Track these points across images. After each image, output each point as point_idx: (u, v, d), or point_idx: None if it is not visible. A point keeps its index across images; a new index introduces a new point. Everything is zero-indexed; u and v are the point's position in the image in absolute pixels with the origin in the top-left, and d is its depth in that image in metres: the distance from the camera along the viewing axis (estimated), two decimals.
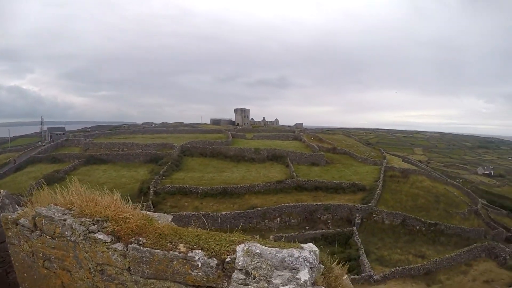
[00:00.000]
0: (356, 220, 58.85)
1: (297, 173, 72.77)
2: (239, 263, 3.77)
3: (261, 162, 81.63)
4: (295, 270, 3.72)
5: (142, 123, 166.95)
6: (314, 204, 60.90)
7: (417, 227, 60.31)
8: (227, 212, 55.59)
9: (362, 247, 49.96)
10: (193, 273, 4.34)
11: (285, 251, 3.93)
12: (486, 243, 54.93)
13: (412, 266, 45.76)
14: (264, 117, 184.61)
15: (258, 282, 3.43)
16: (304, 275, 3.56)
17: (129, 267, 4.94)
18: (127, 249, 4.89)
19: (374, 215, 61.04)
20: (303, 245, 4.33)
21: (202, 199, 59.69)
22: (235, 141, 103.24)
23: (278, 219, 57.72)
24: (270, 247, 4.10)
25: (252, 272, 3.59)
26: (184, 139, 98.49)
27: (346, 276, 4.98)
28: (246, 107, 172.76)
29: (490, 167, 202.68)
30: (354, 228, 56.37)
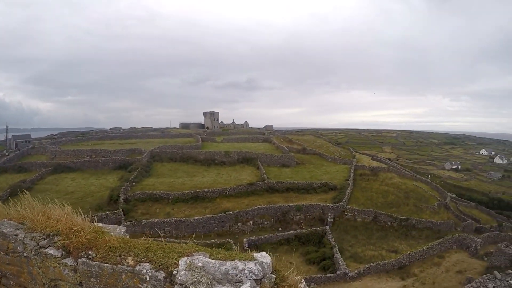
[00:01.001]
0: (328, 219, 59.29)
1: (268, 175, 72.99)
2: (179, 278, 3.67)
3: (232, 165, 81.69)
4: (239, 283, 3.62)
5: (110, 129, 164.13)
6: (286, 205, 60.94)
7: (389, 223, 61.27)
8: (199, 217, 54.93)
9: (336, 245, 50.22)
10: (142, 287, 4.21)
11: (228, 263, 3.83)
12: (456, 235, 56.03)
13: (386, 261, 46.18)
14: (233, 120, 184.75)
15: None
16: None
17: (80, 282, 4.79)
18: (77, 264, 4.74)
19: (346, 213, 61.66)
20: (255, 254, 4.24)
21: (174, 205, 58.98)
22: (205, 144, 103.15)
23: (251, 222, 57.56)
24: (219, 258, 4.00)
25: (190, 287, 3.48)
26: (154, 144, 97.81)
27: (303, 283, 4.88)
28: (216, 110, 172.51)
29: (457, 162, 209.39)
30: (327, 227, 56.73)
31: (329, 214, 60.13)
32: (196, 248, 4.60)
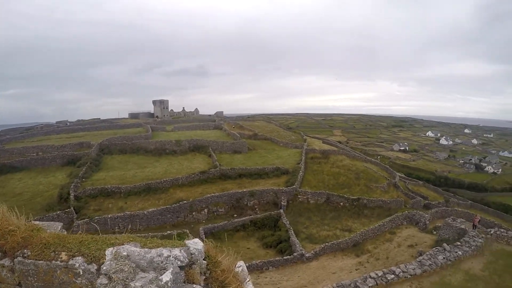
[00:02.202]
0: (282, 202, 60.12)
1: (220, 162, 72.97)
2: (104, 268, 3.73)
3: (183, 154, 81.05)
4: (164, 270, 3.70)
5: (56, 122, 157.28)
6: (240, 191, 61.22)
7: (341, 203, 62.88)
8: (153, 209, 53.93)
9: (291, 228, 51.03)
10: (77, 281, 4.23)
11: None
12: (406, 211, 57.94)
13: (340, 240, 47.25)
14: (183, 108, 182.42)
15: (115, 287, 3.40)
16: (166, 276, 3.54)
17: (19, 282, 4.73)
18: (14, 264, 4.68)
19: (299, 196, 62.73)
20: (187, 241, 4.32)
21: (126, 198, 57.70)
22: (155, 134, 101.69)
23: (206, 210, 57.45)
24: (151, 247, 4.06)
25: (113, 276, 3.54)
26: (102, 136, 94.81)
27: (241, 267, 5.01)
28: (165, 98, 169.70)
29: (405, 143, 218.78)
30: (281, 210, 57.54)
31: (282, 197, 60.99)
32: (131, 239, 4.64)
